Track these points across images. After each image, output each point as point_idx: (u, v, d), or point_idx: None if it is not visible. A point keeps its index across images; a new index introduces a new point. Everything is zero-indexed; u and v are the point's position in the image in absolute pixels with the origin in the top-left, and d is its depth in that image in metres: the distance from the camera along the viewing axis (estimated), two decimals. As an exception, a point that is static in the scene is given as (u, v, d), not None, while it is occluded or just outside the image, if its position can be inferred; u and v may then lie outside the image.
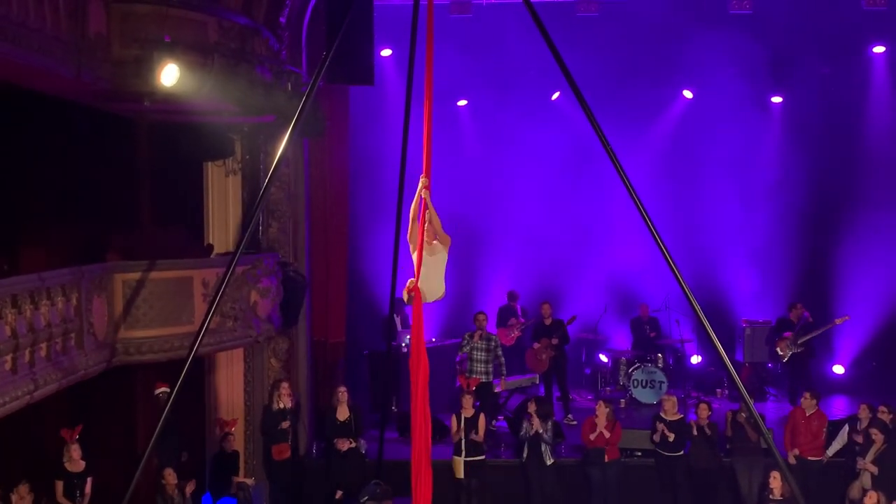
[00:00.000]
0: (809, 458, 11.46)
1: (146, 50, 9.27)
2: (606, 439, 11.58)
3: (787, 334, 14.58)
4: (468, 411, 11.48)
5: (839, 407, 14.66)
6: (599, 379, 15.62)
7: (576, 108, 8.67)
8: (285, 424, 11.65)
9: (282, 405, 11.72)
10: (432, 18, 7.69)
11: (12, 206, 10.70)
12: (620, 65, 15.75)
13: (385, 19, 13.56)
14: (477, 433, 11.40)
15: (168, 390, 9.64)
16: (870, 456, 10.83)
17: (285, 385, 11.85)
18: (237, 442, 11.95)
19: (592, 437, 11.64)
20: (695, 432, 11.60)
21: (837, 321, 14.74)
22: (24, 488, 9.47)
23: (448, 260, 7.64)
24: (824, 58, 15.92)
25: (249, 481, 11.58)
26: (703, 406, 11.79)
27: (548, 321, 14.21)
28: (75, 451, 10.21)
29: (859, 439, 11.10)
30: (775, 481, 10.28)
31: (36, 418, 9.49)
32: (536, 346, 14.16)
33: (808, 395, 11.73)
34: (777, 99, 16.72)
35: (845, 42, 15.82)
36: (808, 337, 14.46)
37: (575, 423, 13.46)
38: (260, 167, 11.98)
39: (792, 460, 11.24)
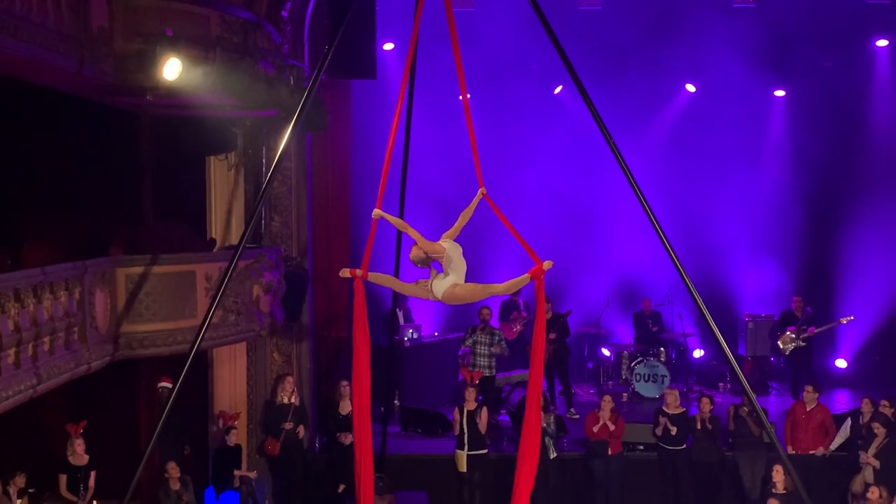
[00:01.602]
0: (811, 452, 11.46)
1: (148, 44, 9.27)
2: (610, 432, 11.59)
3: (791, 329, 14.60)
4: (471, 405, 11.50)
5: (841, 401, 14.67)
6: (602, 373, 15.62)
7: (579, 102, 8.67)
8: (287, 426, 11.66)
9: (285, 400, 11.74)
10: (451, 13, 7.73)
11: (15, 200, 10.74)
12: (623, 58, 15.70)
13: (387, 13, 13.52)
14: (480, 421, 11.40)
15: (170, 386, 9.65)
16: (872, 450, 10.84)
17: (290, 380, 11.86)
18: (240, 436, 11.97)
19: (596, 429, 11.65)
20: (697, 426, 11.61)
21: (843, 320, 14.79)
22: (20, 479, 9.50)
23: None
24: (827, 51, 15.88)
25: (251, 475, 11.60)
26: (705, 400, 11.79)
27: (548, 315, 14.18)
28: (79, 444, 10.25)
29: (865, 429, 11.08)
30: (778, 475, 10.28)
31: (39, 412, 9.52)
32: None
33: (809, 388, 11.73)
34: (780, 92, 16.69)
35: (848, 35, 15.78)
36: (811, 333, 14.47)
37: (577, 416, 13.47)
38: (262, 161, 11.97)
39: (790, 450, 11.26)
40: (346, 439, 11.76)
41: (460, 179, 15.93)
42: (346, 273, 7.75)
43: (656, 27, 15.62)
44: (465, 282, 7.63)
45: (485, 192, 7.96)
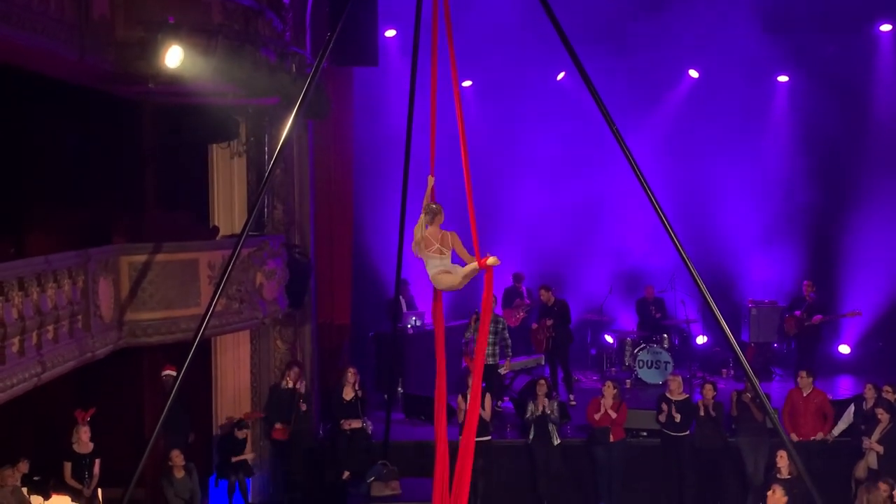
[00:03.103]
0: (812, 437, 11.47)
1: (150, 32, 9.24)
2: (612, 419, 11.61)
3: (798, 313, 14.68)
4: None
5: (845, 387, 14.68)
6: (605, 360, 15.64)
7: (582, 89, 8.65)
8: (302, 406, 11.69)
9: (291, 385, 11.76)
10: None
11: (18, 189, 10.73)
12: (626, 45, 15.67)
13: (388, 0, 13.48)
14: (484, 409, 11.42)
15: (175, 374, 9.67)
16: (875, 435, 10.84)
17: (296, 369, 11.88)
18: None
19: (597, 416, 11.67)
20: (700, 412, 11.61)
21: (849, 314, 14.97)
22: (24, 465, 9.54)
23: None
24: (831, 36, 15.83)
25: (250, 456, 11.59)
26: (708, 386, 11.79)
27: (549, 302, 14.19)
28: (84, 432, 10.28)
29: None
30: (782, 460, 10.29)
31: (43, 400, 9.54)
32: (535, 326, 14.22)
33: (803, 374, 11.73)
34: (783, 78, 16.65)
35: (852, 20, 15.73)
36: (816, 321, 14.52)
37: (575, 403, 13.48)
38: (265, 149, 11.96)
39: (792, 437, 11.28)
40: (351, 424, 11.78)
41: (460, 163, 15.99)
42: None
43: (659, 13, 15.58)
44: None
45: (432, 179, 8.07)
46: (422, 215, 7.81)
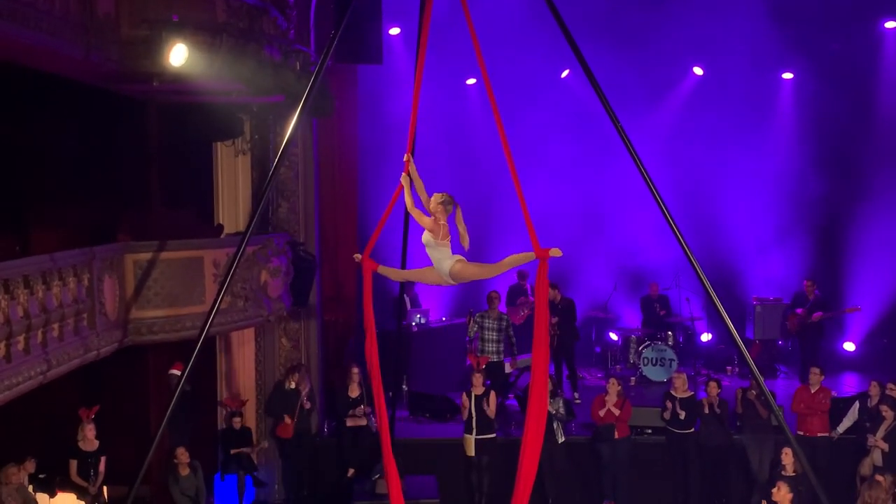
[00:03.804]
0: (818, 434, 11.46)
1: (155, 30, 9.26)
2: (616, 416, 11.61)
3: (800, 310, 14.66)
4: (478, 389, 11.51)
5: (850, 384, 14.66)
6: (609, 357, 15.62)
7: (586, 86, 8.64)
8: (306, 404, 11.71)
9: (293, 386, 11.77)
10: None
11: (23, 187, 10.74)
12: (630, 41, 15.65)
13: (393, -2, 13.49)
14: (489, 407, 11.42)
15: (180, 373, 9.69)
16: (880, 433, 10.82)
17: (297, 374, 11.88)
18: (249, 421, 12.02)
19: (602, 413, 11.67)
20: (705, 410, 11.60)
21: (849, 310, 15.00)
22: (30, 464, 9.56)
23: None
24: (835, 33, 15.80)
25: (252, 451, 11.60)
26: (713, 383, 11.79)
27: (556, 300, 14.17)
28: (90, 430, 10.30)
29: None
30: (787, 457, 10.27)
31: (49, 398, 9.56)
32: None
33: (816, 371, 11.70)
34: (788, 75, 16.62)
35: (857, 17, 15.70)
36: (817, 318, 14.51)
37: (580, 401, 13.48)
38: (269, 147, 11.98)
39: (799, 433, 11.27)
40: (358, 413, 11.77)
41: (470, 160, 16.00)
42: (357, 257, 7.73)
43: (664, 10, 15.55)
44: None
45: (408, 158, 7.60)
46: (439, 207, 7.36)
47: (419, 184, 7.51)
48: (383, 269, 7.81)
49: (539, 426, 7.78)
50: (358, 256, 7.85)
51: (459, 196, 7.95)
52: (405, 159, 7.57)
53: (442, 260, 7.37)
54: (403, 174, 7.55)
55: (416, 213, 7.42)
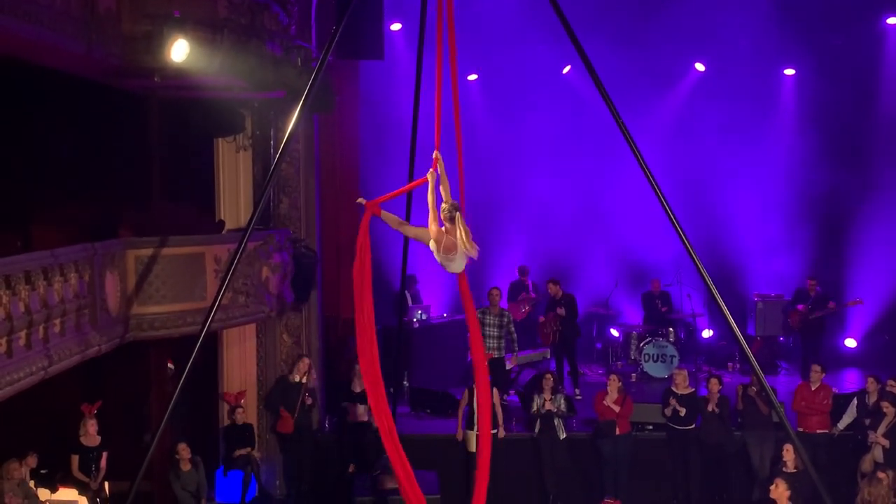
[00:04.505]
0: (818, 431, 11.46)
1: (156, 25, 9.26)
2: (616, 413, 11.61)
3: (801, 307, 14.64)
4: (480, 386, 11.49)
5: (851, 380, 14.65)
6: (611, 353, 15.63)
7: (587, 83, 8.64)
8: (308, 400, 11.71)
9: (297, 379, 11.77)
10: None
11: (24, 183, 10.75)
12: (632, 38, 15.64)
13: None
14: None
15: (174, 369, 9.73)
16: (881, 429, 10.81)
17: (305, 360, 11.88)
18: (250, 416, 12.02)
19: (602, 409, 11.66)
20: (706, 406, 11.60)
21: (850, 303, 15.00)
22: (32, 459, 9.57)
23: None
24: (837, 29, 15.78)
25: (256, 454, 11.62)
26: (714, 380, 11.78)
27: (557, 296, 14.19)
28: (92, 425, 10.31)
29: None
30: (788, 454, 10.28)
31: (50, 394, 9.57)
32: (542, 319, 14.22)
33: (818, 368, 11.70)
34: (790, 71, 16.61)
35: (859, 12, 15.68)
36: (818, 315, 14.50)
37: (580, 397, 13.48)
38: (270, 143, 11.98)
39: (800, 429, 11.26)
40: (360, 409, 11.80)
41: (471, 158, 15.97)
42: (361, 201, 7.63)
43: (666, 6, 15.54)
44: (464, 269, 7.60)
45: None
46: (445, 214, 7.33)
47: (445, 183, 7.44)
48: (385, 216, 7.63)
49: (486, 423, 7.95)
50: (362, 200, 7.73)
51: (459, 196, 7.94)
52: (434, 156, 7.51)
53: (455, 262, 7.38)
54: (431, 170, 7.48)
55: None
